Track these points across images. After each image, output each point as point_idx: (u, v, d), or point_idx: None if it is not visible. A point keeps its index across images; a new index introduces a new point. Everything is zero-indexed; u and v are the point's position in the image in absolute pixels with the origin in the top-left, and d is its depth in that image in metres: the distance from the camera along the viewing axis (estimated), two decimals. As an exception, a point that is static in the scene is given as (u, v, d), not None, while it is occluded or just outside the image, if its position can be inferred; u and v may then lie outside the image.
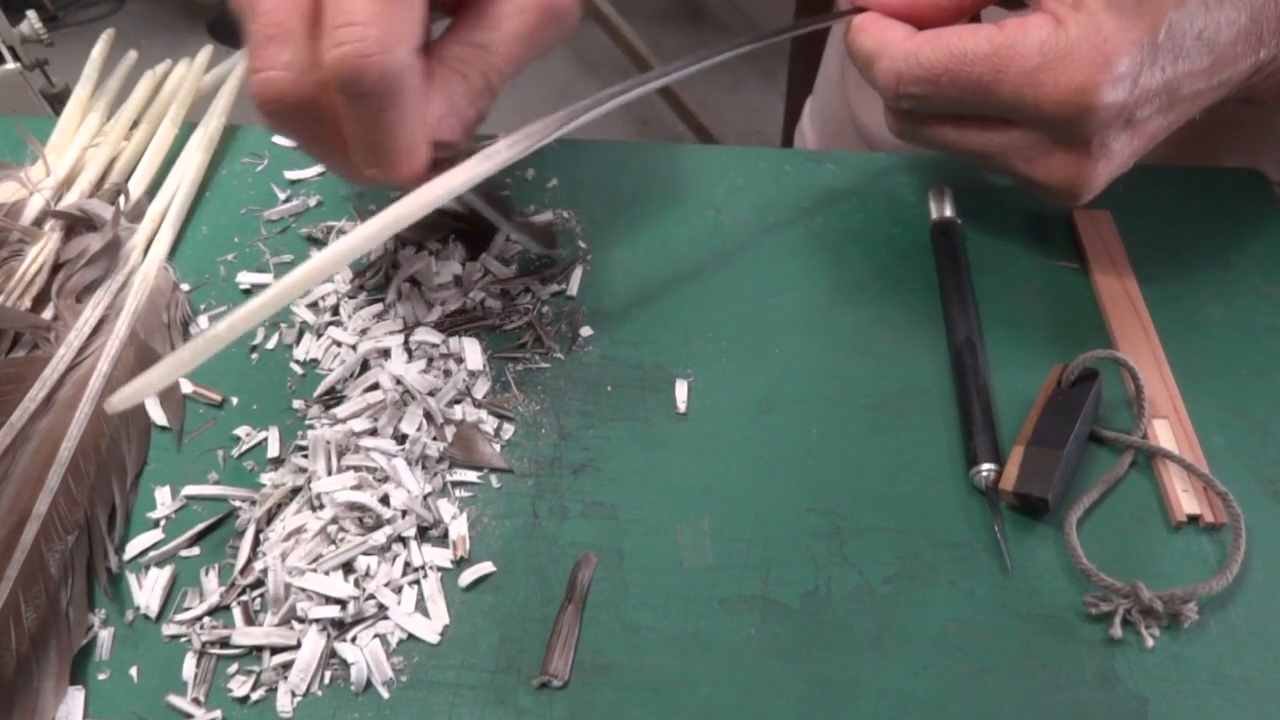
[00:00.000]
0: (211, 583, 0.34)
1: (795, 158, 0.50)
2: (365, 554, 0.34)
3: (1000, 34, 0.34)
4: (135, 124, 0.51)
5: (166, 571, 0.34)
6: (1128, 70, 0.33)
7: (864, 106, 0.64)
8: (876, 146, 0.62)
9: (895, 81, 0.36)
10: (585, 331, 0.42)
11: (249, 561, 0.34)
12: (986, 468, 0.35)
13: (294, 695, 0.32)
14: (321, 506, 0.35)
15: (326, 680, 0.32)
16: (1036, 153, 0.36)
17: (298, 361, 0.41)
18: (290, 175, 0.50)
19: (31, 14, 0.63)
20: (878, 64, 0.37)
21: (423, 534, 0.35)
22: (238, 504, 0.36)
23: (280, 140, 0.52)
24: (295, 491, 0.36)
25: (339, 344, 0.41)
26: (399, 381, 0.39)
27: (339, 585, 0.33)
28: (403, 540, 0.35)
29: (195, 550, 0.35)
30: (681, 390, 0.40)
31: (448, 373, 0.40)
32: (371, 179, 0.34)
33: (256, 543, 0.35)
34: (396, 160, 0.33)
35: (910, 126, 0.39)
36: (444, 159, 0.34)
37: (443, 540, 0.35)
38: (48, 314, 0.42)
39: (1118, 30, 0.33)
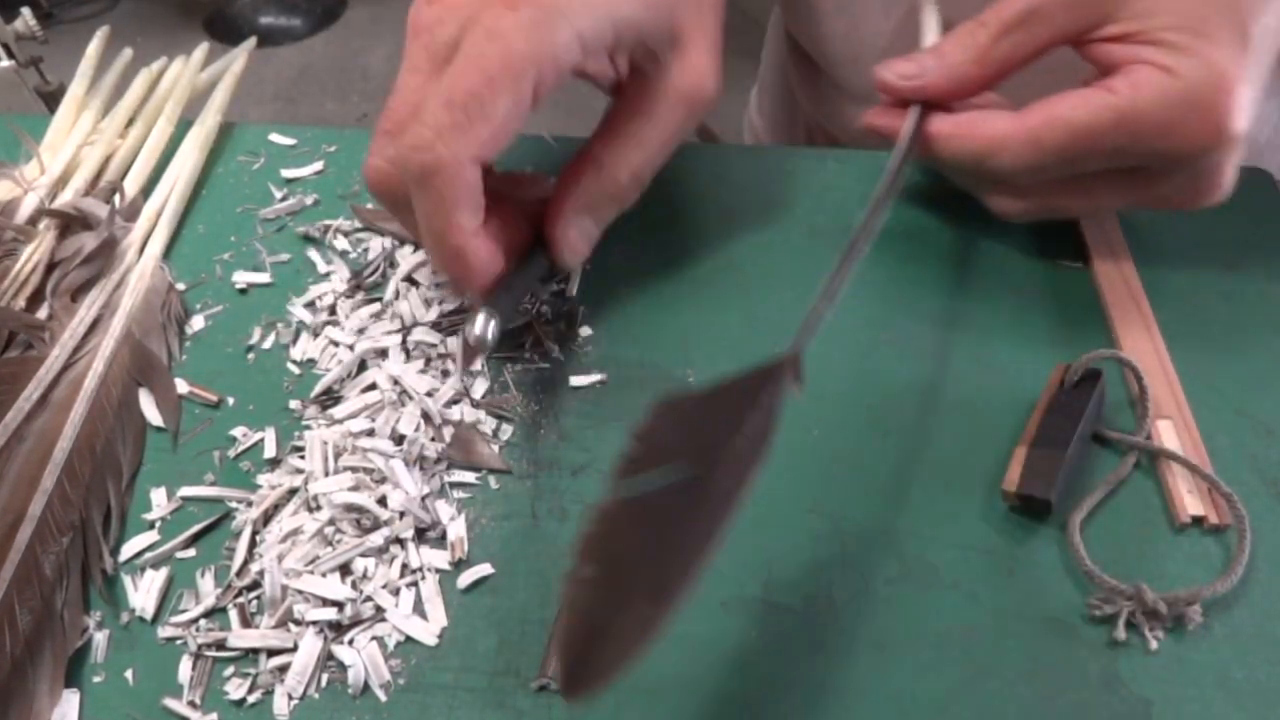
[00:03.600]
0: (208, 584, 0.34)
1: (796, 157, 0.50)
2: (362, 556, 0.34)
3: (1116, 98, 0.34)
4: (131, 122, 0.50)
5: (162, 573, 0.34)
6: (1246, 94, 0.34)
7: (812, 103, 0.64)
8: (834, 138, 0.63)
9: (1027, 169, 0.36)
10: (585, 331, 0.42)
11: (245, 563, 0.34)
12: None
13: (291, 698, 0.31)
14: (319, 508, 0.35)
15: (323, 683, 0.32)
16: (1173, 186, 0.37)
17: (294, 361, 0.41)
18: (287, 174, 0.49)
19: (26, 11, 0.63)
20: (998, 160, 0.36)
21: (420, 535, 0.35)
22: (234, 505, 0.36)
23: (276, 138, 0.51)
24: (292, 492, 0.36)
25: (336, 344, 0.41)
26: (396, 381, 0.39)
27: (336, 587, 0.33)
28: (400, 542, 0.35)
29: (191, 552, 0.35)
30: (682, 390, 0.39)
31: (446, 373, 0.40)
32: (444, 282, 0.41)
33: (253, 544, 0.35)
34: (447, 256, 0.35)
35: (1035, 201, 0.39)
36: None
37: (441, 542, 0.35)
38: (42, 313, 0.42)
39: (1227, 62, 0.33)
